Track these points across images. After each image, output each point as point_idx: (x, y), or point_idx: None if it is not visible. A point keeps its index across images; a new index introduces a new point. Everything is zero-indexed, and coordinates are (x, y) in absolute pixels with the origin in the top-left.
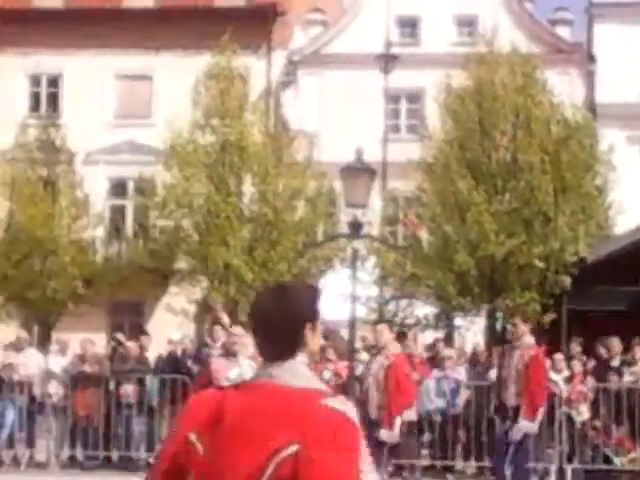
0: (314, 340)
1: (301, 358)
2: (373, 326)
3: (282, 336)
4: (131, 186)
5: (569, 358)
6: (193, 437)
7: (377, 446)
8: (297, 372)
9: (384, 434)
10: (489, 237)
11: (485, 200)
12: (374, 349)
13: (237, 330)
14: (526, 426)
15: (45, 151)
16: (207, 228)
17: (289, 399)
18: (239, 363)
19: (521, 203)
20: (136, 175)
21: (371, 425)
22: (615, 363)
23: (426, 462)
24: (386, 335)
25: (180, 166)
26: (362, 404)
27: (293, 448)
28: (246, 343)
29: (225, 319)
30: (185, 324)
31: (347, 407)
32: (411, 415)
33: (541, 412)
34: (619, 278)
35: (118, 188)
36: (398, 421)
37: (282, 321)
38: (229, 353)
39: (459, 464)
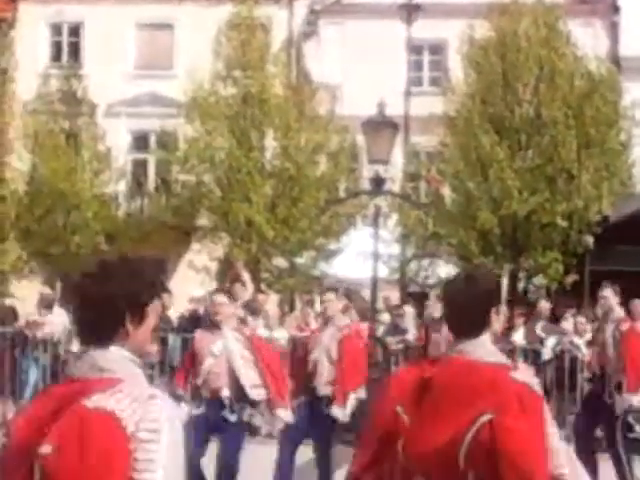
0: (497, 322)
1: (486, 336)
2: (324, 294)
3: (472, 317)
4: (153, 140)
5: (592, 320)
6: (399, 409)
7: (327, 424)
8: (486, 348)
9: (336, 411)
10: (512, 194)
11: (508, 156)
12: (324, 319)
13: (219, 298)
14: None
15: (67, 102)
16: (229, 183)
17: (482, 372)
18: (223, 335)
19: (544, 160)
20: (158, 128)
21: (318, 401)
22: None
23: None
24: (334, 305)
25: (202, 119)
26: (310, 378)
27: (488, 416)
28: (229, 313)
29: (246, 277)
30: (207, 282)
31: (531, 378)
32: (362, 393)
33: None
34: None
35: (140, 141)
36: (352, 398)
37: (473, 305)
38: (213, 324)
39: None
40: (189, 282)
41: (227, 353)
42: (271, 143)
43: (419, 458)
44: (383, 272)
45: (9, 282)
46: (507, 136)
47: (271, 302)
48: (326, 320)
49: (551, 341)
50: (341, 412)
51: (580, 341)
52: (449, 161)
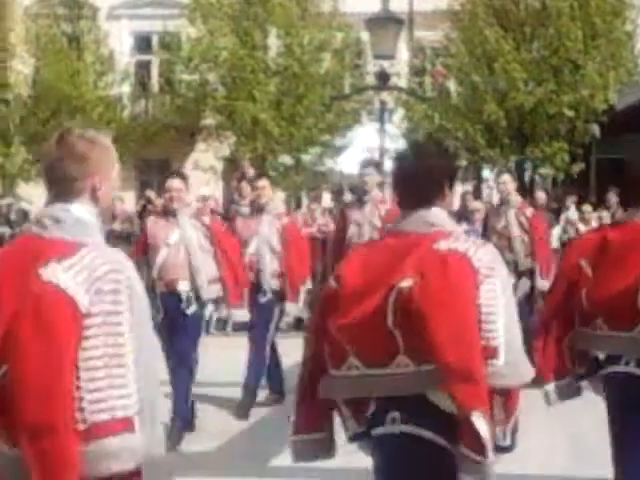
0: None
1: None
2: (258, 180)
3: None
4: (155, 41)
5: (598, 209)
6: (583, 263)
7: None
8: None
9: (290, 307)
10: (518, 86)
11: (513, 48)
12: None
13: (175, 183)
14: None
15: (68, 6)
16: (233, 82)
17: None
18: (179, 224)
19: (550, 51)
20: (160, 29)
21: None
22: None
23: None
24: (268, 190)
25: (204, 19)
26: (255, 273)
27: None
28: (185, 199)
29: (252, 175)
30: (213, 181)
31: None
32: (309, 284)
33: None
34: None
35: (142, 43)
36: (302, 291)
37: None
38: (167, 211)
39: None
40: (195, 182)
41: (184, 243)
42: (274, 41)
43: (600, 303)
44: (390, 167)
45: (17, 185)
46: (512, 28)
47: (277, 199)
48: (260, 208)
49: (557, 230)
50: (295, 308)
51: (586, 229)
52: (454, 55)
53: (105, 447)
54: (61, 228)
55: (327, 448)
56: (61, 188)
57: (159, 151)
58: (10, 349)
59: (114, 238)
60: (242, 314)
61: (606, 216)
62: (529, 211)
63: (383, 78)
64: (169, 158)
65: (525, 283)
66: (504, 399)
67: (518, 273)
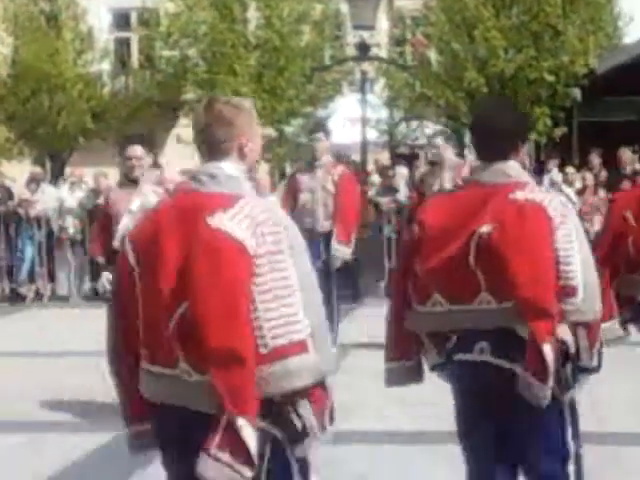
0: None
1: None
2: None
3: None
4: (134, 17)
5: (580, 170)
6: (628, 214)
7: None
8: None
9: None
10: (498, 53)
11: (493, 15)
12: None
13: (136, 151)
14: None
15: None
16: (213, 57)
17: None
18: (142, 192)
19: (529, 17)
20: (139, 5)
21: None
22: (627, 173)
23: None
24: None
25: None
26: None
27: None
28: (146, 166)
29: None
30: (197, 155)
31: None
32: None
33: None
34: (629, 88)
35: (121, 20)
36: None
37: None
38: (129, 180)
39: None
40: (179, 157)
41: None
42: (254, 14)
43: None
44: (372, 136)
45: None
46: None
47: (262, 171)
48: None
49: None
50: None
51: (570, 190)
52: (434, 24)
53: (286, 367)
54: (217, 183)
55: (416, 374)
56: (212, 149)
57: (141, 127)
58: (188, 288)
59: (99, 213)
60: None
61: (589, 177)
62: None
63: (363, 48)
64: (151, 133)
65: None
66: (586, 331)
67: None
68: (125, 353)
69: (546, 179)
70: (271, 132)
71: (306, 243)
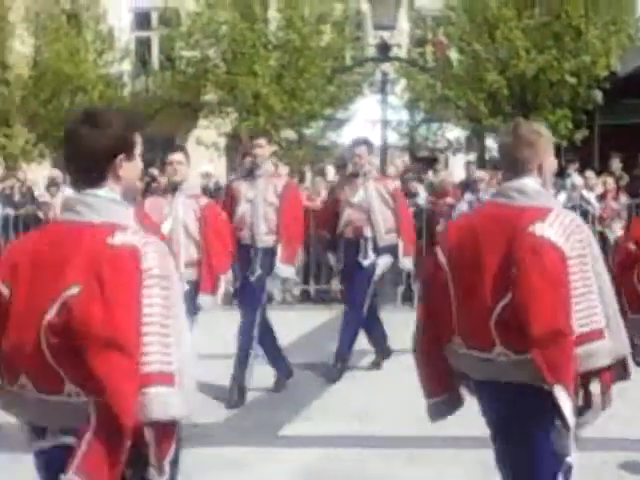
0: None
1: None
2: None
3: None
4: (155, 17)
5: (602, 175)
6: None
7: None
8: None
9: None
10: (519, 54)
11: (515, 16)
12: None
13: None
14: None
15: None
16: (234, 57)
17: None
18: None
19: (551, 17)
20: (160, 5)
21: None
22: None
23: None
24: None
25: None
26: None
27: None
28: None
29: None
30: (216, 157)
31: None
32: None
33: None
34: None
35: (142, 19)
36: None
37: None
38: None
39: None
40: (198, 158)
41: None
42: (274, 15)
43: None
44: (393, 138)
45: (19, 166)
46: None
47: (281, 173)
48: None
49: (562, 197)
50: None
51: (591, 195)
52: (455, 24)
53: (589, 349)
54: (528, 197)
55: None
56: (515, 168)
57: (161, 128)
58: (515, 284)
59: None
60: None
61: (610, 182)
62: (390, 183)
63: (384, 49)
64: (171, 135)
65: (386, 260)
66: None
67: (378, 250)
68: (432, 342)
69: (568, 183)
70: (291, 134)
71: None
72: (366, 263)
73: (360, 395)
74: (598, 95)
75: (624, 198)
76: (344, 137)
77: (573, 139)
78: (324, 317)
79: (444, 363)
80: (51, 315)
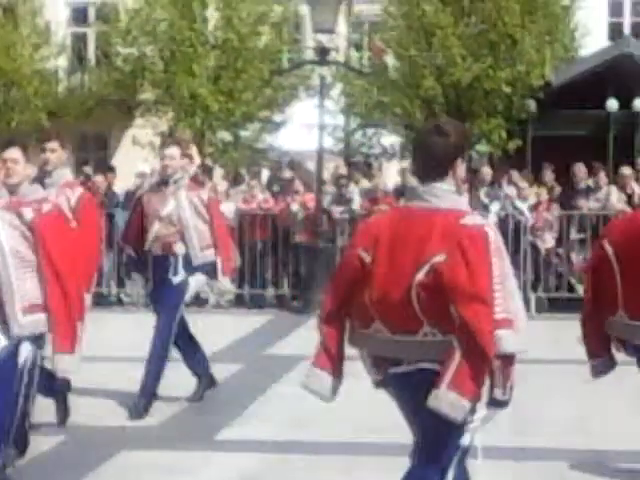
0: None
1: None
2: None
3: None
4: (93, 12)
5: (534, 185)
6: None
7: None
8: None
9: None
10: (456, 61)
11: (452, 23)
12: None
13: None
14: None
15: None
16: (172, 56)
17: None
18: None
19: (488, 25)
20: (98, 1)
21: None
22: (581, 188)
23: None
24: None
25: None
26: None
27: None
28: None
29: (192, 150)
30: (152, 157)
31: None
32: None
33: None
34: (584, 101)
35: (79, 15)
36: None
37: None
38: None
39: None
40: (134, 158)
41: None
42: (213, 14)
43: None
44: (328, 143)
45: None
46: (450, 3)
47: (217, 176)
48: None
49: (495, 206)
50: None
51: (523, 205)
52: (393, 29)
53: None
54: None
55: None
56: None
57: (96, 126)
58: None
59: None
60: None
61: (543, 192)
62: (204, 192)
63: (322, 53)
64: (106, 133)
65: (199, 279)
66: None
67: (192, 268)
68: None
69: (501, 192)
70: (227, 136)
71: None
72: (176, 280)
73: (297, 400)
74: (532, 105)
75: (556, 209)
76: (280, 140)
77: (506, 148)
78: (258, 322)
79: (605, 332)
80: (421, 275)
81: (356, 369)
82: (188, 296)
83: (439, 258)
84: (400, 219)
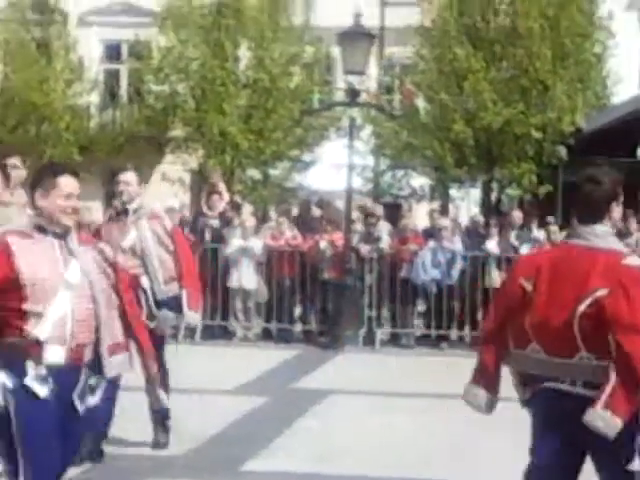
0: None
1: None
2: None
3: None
4: (125, 49)
5: (564, 229)
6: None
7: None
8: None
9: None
10: (487, 106)
11: (483, 67)
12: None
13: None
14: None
15: (38, 11)
16: (203, 94)
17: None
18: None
19: (519, 71)
20: (131, 38)
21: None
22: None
23: (421, 331)
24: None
25: (175, 28)
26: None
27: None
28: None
29: (222, 187)
30: (181, 193)
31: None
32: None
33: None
34: (615, 149)
35: (112, 51)
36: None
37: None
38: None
39: (453, 334)
40: (163, 194)
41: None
42: (245, 54)
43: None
44: (357, 183)
45: None
46: (482, 47)
47: (246, 213)
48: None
49: (525, 249)
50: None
51: None
52: (424, 72)
53: None
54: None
55: None
56: None
57: (127, 161)
58: None
59: None
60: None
61: None
62: (168, 223)
63: (353, 94)
64: (137, 169)
65: (168, 317)
66: None
67: (156, 303)
68: None
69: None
70: (256, 174)
71: None
72: (152, 325)
73: (322, 434)
74: (563, 151)
75: None
76: (309, 179)
77: (537, 193)
78: (286, 356)
79: None
80: (584, 307)
81: (390, 405)
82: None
83: (602, 292)
84: (561, 254)
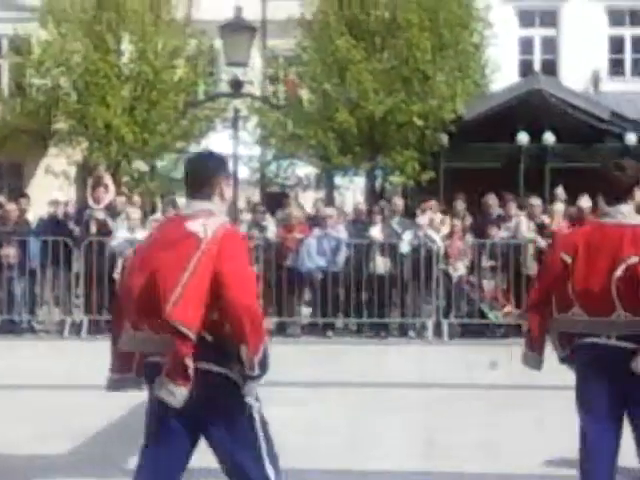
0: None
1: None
2: None
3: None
4: (5, 44)
5: (446, 215)
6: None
7: None
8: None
9: None
10: (369, 95)
11: (364, 58)
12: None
13: None
14: None
15: None
16: (86, 87)
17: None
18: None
19: (400, 61)
20: (11, 32)
21: None
22: (492, 218)
23: (307, 320)
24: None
25: (56, 23)
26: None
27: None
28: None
29: (108, 180)
30: (66, 186)
31: None
32: None
33: None
34: (495, 135)
35: None
36: None
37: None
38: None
39: (339, 322)
40: (48, 187)
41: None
42: (128, 47)
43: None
44: (244, 173)
45: None
46: (363, 38)
47: (132, 205)
48: None
49: (407, 235)
50: None
51: (435, 234)
52: (307, 64)
53: None
54: None
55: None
56: None
57: (10, 156)
58: None
59: None
60: None
61: (457, 222)
62: None
63: (236, 85)
64: (21, 163)
65: None
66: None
67: None
68: None
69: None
70: (142, 165)
71: None
72: None
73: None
74: (444, 138)
75: (470, 238)
76: None
77: (419, 180)
78: None
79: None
80: (619, 272)
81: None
82: None
83: (634, 260)
84: (593, 231)
